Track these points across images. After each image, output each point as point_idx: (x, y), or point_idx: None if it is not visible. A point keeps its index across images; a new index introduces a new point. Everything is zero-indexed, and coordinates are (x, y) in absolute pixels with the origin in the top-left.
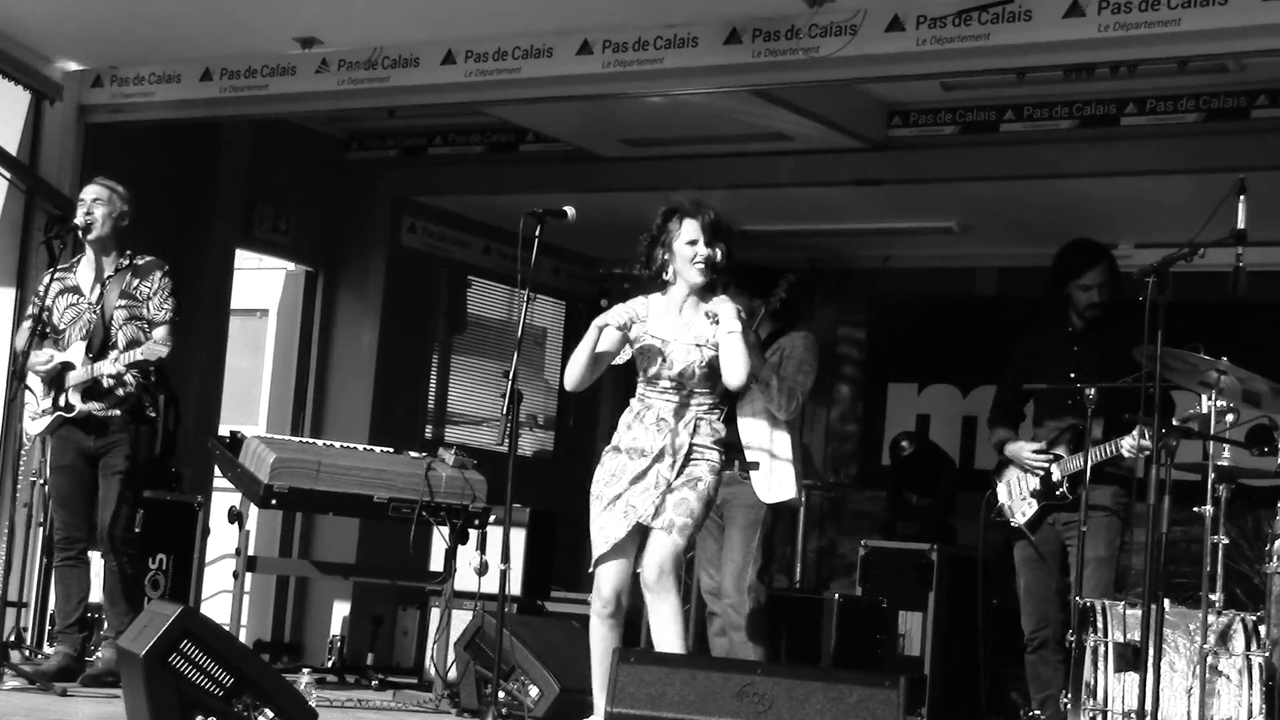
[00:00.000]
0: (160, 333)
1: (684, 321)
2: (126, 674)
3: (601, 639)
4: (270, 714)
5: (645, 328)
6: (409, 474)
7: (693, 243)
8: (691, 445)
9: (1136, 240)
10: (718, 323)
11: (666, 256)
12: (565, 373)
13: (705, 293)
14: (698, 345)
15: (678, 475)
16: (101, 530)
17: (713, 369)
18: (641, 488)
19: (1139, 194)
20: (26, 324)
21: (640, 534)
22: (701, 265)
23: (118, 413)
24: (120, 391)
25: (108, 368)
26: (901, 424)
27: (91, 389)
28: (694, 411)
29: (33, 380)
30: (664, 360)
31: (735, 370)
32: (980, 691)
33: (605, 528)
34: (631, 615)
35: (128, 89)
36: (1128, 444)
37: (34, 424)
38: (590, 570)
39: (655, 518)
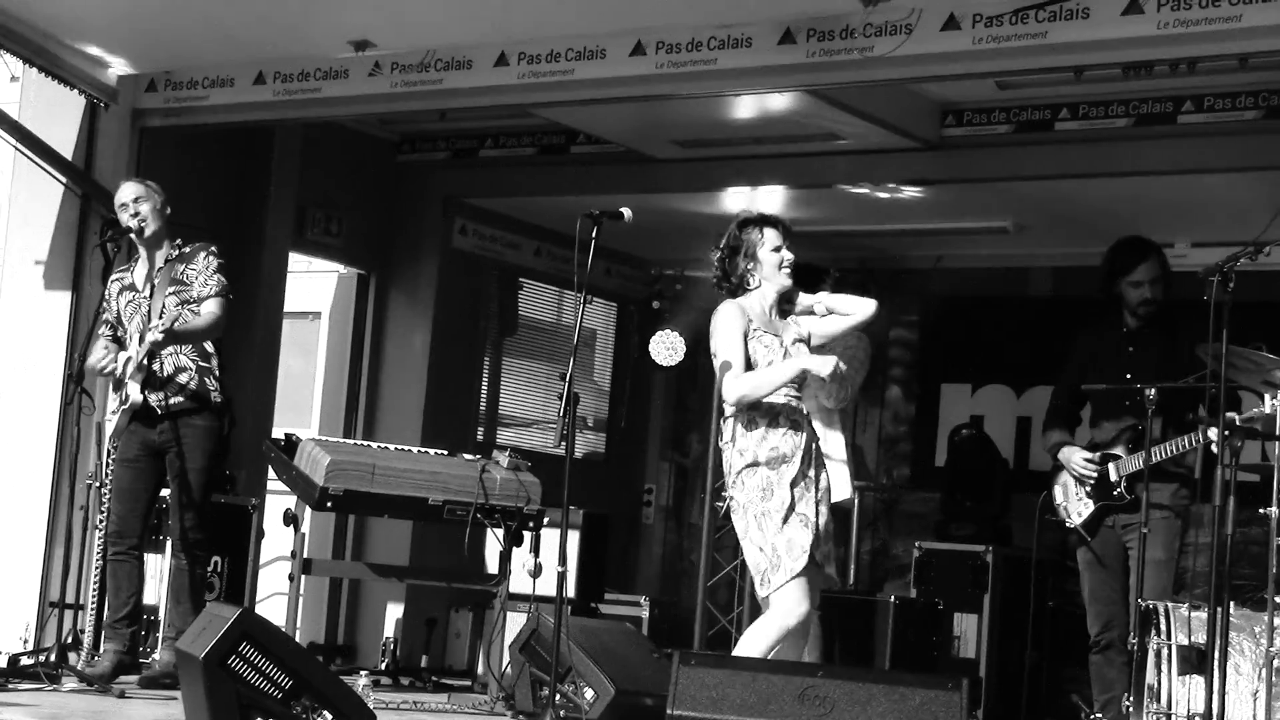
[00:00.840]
0: (207, 306)
1: (781, 325)
2: (186, 676)
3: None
4: (329, 716)
5: (765, 327)
6: (463, 476)
7: (777, 249)
8: (817, 447)
9: (1193, 240)
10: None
11: (750, 265)
12: (747, 388)
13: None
14: (803, 343)
15: (817, 485)
16: (172, 530)
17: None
18: (799, 493)
19: (1196, 193)
20: (102, 334)
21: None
22: (789, 270)
23: (181, 399)
24: (182, 379)
25: (149, 336)
26: (955, 425)
27: (149, 380)
28: (808, 411)
29: (101, 383)
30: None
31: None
32: (1038, 694)
33: (794, 539)
34: (685, 616)
35: (181, 93)
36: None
37: (108, 424)
38: (783, 584)
39: (819, 547)
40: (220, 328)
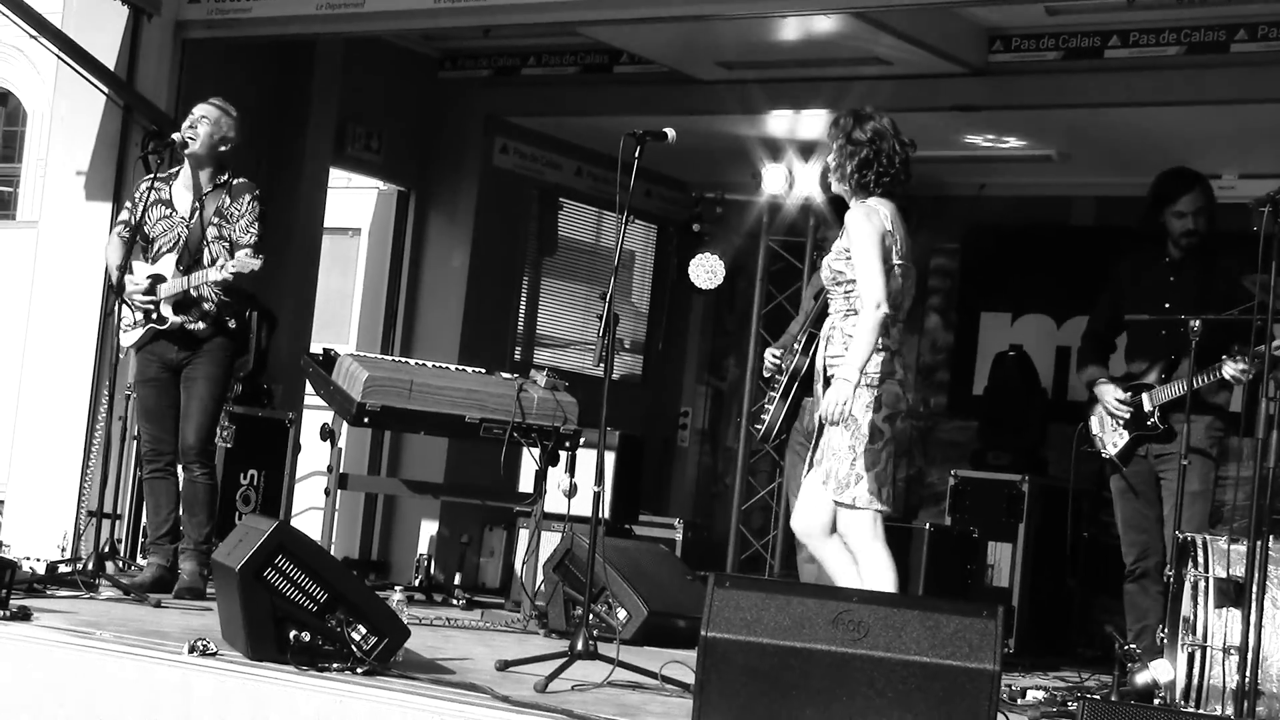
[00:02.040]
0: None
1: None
2: (221, 587)
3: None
4: (363, 630)
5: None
6: (500, 395)
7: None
8: (827, 360)
9: (1242, 171)
10: None
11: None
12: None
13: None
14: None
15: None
16: (181, 442)
17: (839, 275)
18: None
19: (1246, 123)
20: (117, 231)
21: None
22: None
23: (202, 326)
24: (205, 306)
25: (213, 274)
26: (994, 354)
27: (182, 302)
28: (829, 321)
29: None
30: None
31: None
32: (1071, 623)
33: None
34: (718, 539)
35: (225, 5)
36: (1229, 369)
37: (126, 335)
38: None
39: (815, 461)
40: (256, 276)
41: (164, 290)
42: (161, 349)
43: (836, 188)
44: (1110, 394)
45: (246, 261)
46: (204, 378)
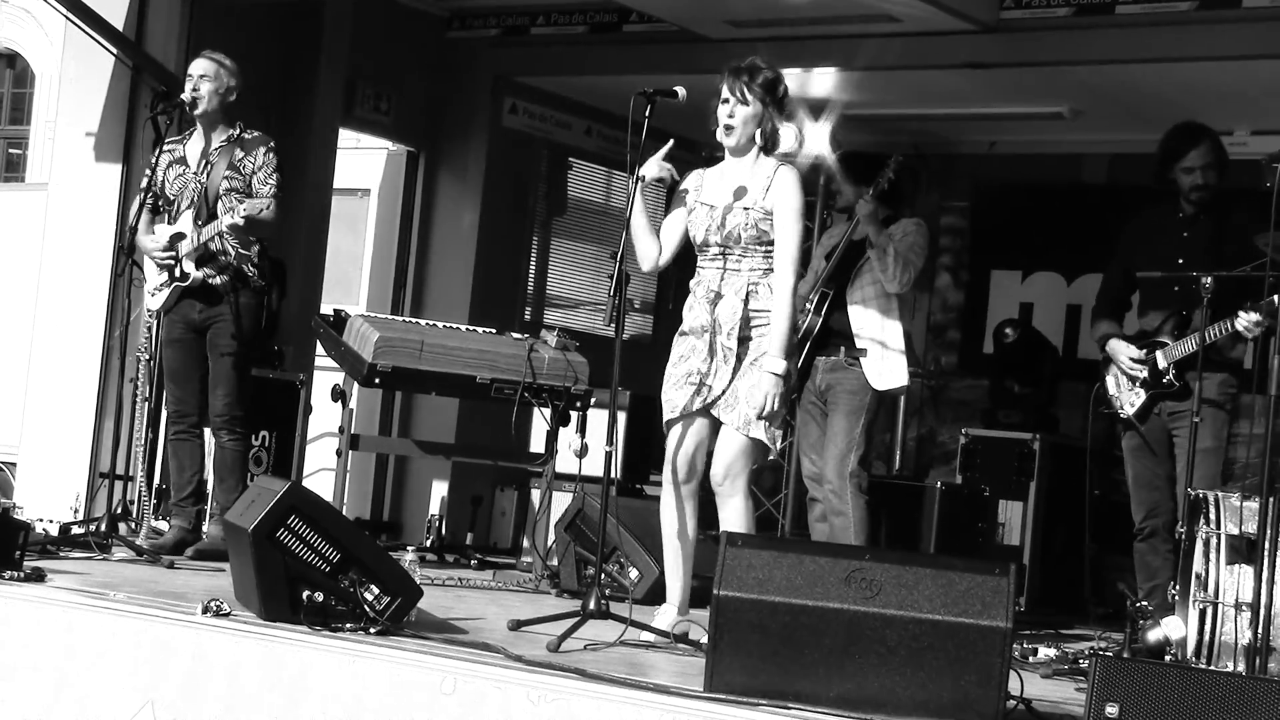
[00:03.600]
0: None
1: (733, 185)
2: (234, 548)
3: (668, 515)
4: (376, 590)
5: (698, 196)
6: (511, 355)
7: (725, 102)
8: (750, 313)
9: (1254, 127)
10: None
11: (712, 122)
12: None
13: (754, 156)
14: (745, 209)
15: (743, 349)
16: (210, 409)
17: (762, 233)
18: (715, 364)
19: (1258, 79)
20: (141, 199)
21: (713, 419)
22: (729, 124)
23: (225, 278)
24: (223, 259)
25: (226, 220)
26: (1004, 312)
27: (202, 256)
28: (746, 278)
29: (147, 261)
30: (711, 225)
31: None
32: (1082, 581)
33: (671, 399)
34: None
35: None
36: (1243, 321)
37: (153, 299)
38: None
39: (728, 409)
40: (273, 227)
41: (184, 247)
42: (185, 309)
43: (745, 139)
44: (1124, 352)
45: (257, 203)
46: (229, 342)
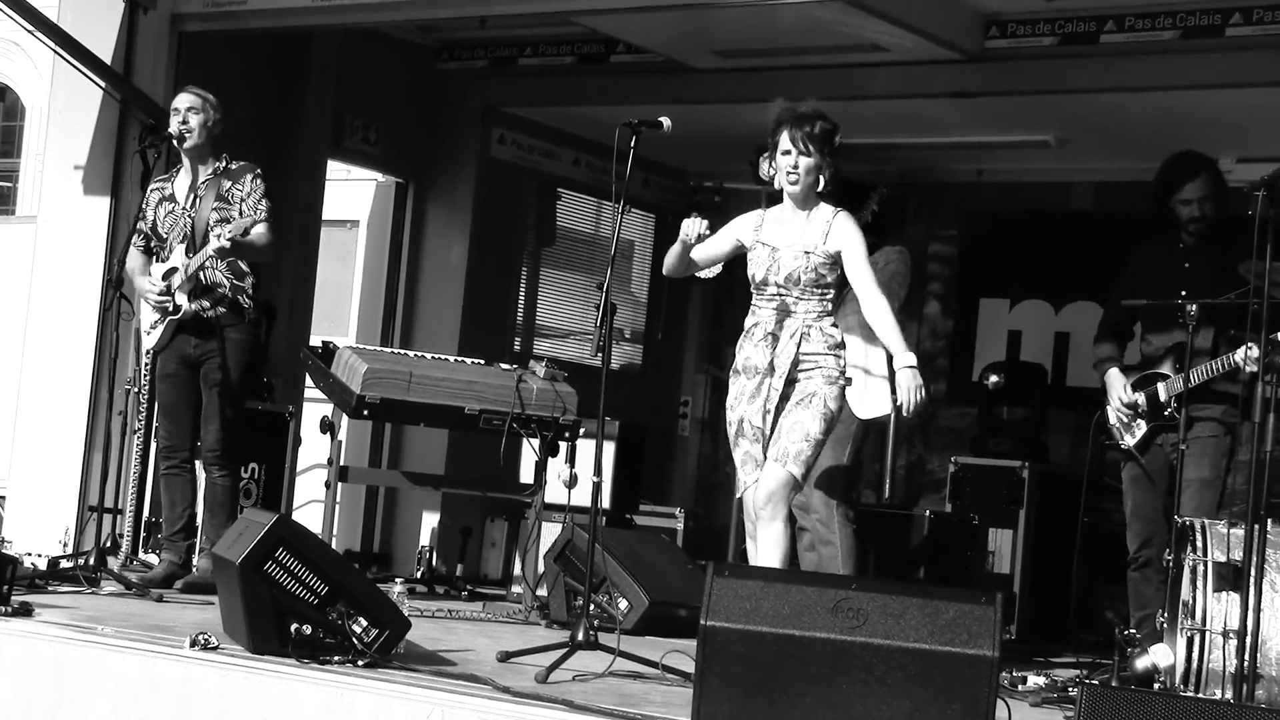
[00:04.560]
0: (258, 229)
1: (793, 230)
2: (222, 581)
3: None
4: (364, 622)
5: (758, 236)
6: (500, 386)
7: (786, 153)
8: (800, 355)
9: (1239, 155)
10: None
11: (773, 169)
12: (666, 260)
13: (813, 202)
14: (806, 252)
15: (790, 389)
16: (204, 442)
17: (820, 277)
18: (756, 405)
19: (1243, 107)
20: (134, 242)
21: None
22: (792, 175)
23: (221, 310)
24: (219, 291)
25: (214, 244)
26: (993, 340)
27: (195, 289)
28: (801, 319)
29: (142, 300)
30: (772, 266)
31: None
32: (1071, 609)
33: (748, 452)
34: (719, 529)
35: None
36: (1241, 355)
37: (149, 338)
38: (739, 496)
39: (771, 444)
40: (271, 252)
41: (176, 280)
42: (180, 344)
43: (807, 188)
44: (1116, 391)
45: (240, 222)
46: (223, 379)
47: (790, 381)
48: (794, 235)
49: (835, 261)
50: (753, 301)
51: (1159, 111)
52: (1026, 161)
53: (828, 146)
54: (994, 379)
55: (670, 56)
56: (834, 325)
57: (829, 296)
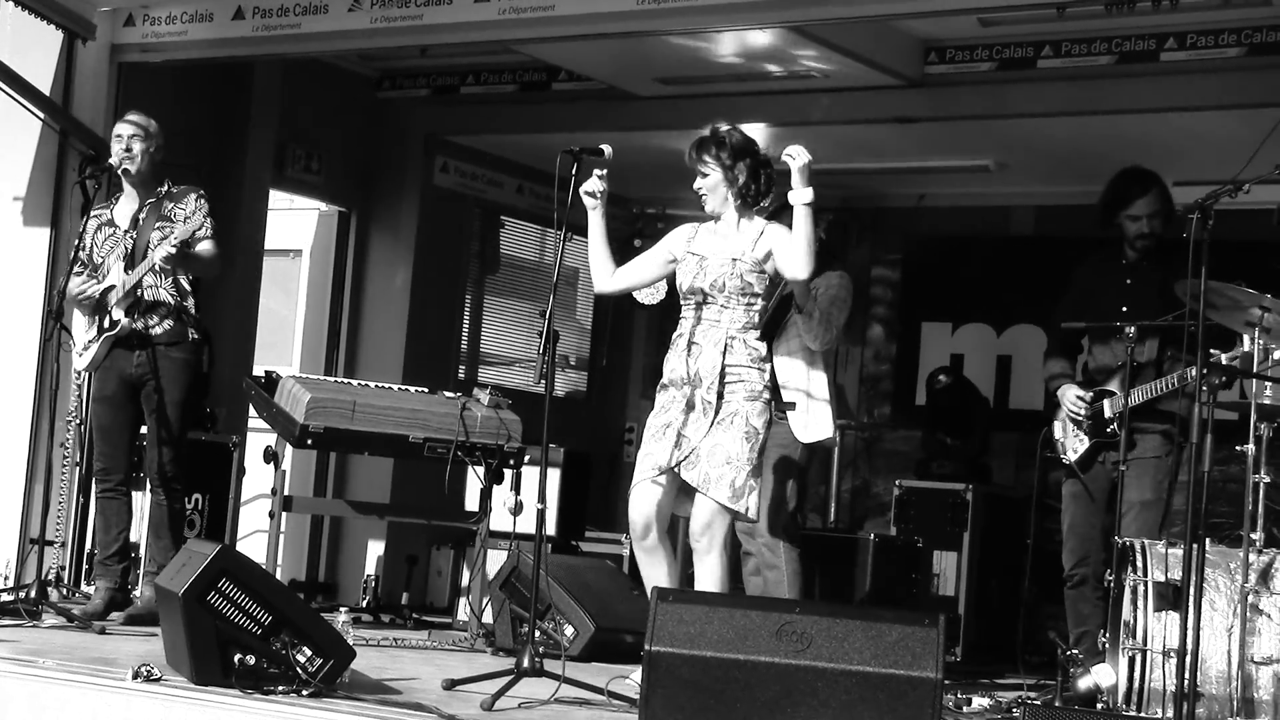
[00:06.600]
0: (204, 246)
1: (724, 240)
2: (165, 612)
3: (645, 570)
4: (308, 652)
5: (690, 247)
6: (444, 414)
7: (704, 175)
8: (725, 367)
9: (1176, 178)
10: (793, 159)
11: (699, 189)
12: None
13: (743, 214)
14: (733, 259)
15: (717, 407)
16: (149, 465)
17: (747, 285)
18: (693, 417)
19: (1179, 131)
20: (74, 272)
21: (677, 478)
22: (702, 197)
23: (162, 329)
24: (161, 311)
25: (161, 250)
26: (935, 364)
27: (134, 305)
28: (725, 330)
29: (76, 317)
30: (699, 274)
31: (798, 257)
32: (1017, 629)
33: (652, 454)
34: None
35: (160, 28)
36: (1190, 376)
37: (82, 359)
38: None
39: (689, 467)
40: (217, 266)
41: (113, 297)
42: (120, 362)
43: (718, 202)
44: (1070, 394)
45: (188, 227)
46: (166, 400)
47: (718, 395)
48: (723, 244)
49: (763, 271)
50: (680, 313)
51: (1096, 136)
52: (967, 186)
53: (733, 158)
54: (942, 378)
55: (612, 84)
56: (760, 339)
57: (755, 308)
